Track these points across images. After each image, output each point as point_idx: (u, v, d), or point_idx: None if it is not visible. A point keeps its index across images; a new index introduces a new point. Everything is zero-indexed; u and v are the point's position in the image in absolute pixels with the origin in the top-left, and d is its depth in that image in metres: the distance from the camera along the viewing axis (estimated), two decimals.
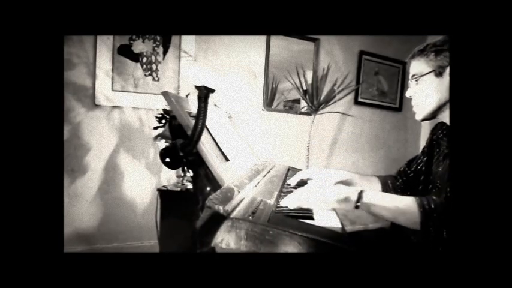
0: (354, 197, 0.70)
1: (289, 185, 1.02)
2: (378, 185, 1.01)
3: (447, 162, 0.84)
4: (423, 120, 0.88)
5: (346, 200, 0.71)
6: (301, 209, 0.74)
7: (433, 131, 0.95)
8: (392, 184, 1.02)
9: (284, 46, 2.39)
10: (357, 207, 0.70)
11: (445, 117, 0.86)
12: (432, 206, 0.66)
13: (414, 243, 0.88)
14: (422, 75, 0.82)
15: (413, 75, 0.85)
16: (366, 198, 0.70)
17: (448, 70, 0.79)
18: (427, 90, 0.83)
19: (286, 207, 0.73)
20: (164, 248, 1.46)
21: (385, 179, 1.04)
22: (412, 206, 0.67)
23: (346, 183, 0.94)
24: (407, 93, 0.89)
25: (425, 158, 0.96)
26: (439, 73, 0.80)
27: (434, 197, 0.69)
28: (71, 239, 1.78)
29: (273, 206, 0.68)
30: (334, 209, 0.78)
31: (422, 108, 0.85)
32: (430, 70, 0.81)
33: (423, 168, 0.96)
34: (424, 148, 0.99)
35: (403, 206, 0.69)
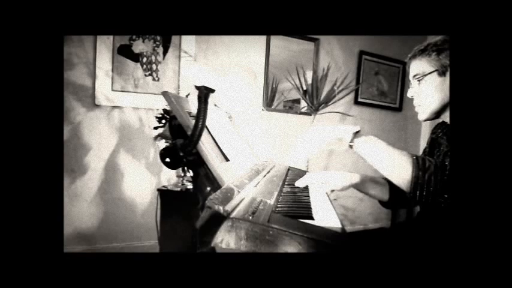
0: (348, 136, 0.72)
1: (293, 185, 1.02)
2: (386, 186, 1.02)
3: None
4: (426, 120, 0.87)
5: (340, 138, 0.73)
6: (301, 209, 0.74)
7: (434, 131, 0.95)
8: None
9: (284, 46, 2.39)
10: (350, 146, 0.72)
11: (447, 117, 0.85)
12: (426, 165, 0.65)
13: (414, 244, 0.88)
14: (425, 75, 0.81)
15: (415, 75, 0.85)
16: (360, 140, 0.72)
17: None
18: (430, 89, 0.82)
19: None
20: (164, 248, 1.46)
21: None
22: (406, 160, 0.67)
23: (357, 185, 0.95)
24: (409, 94, 0.88)
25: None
26: (442, 72, 0.80)
27: (429, 158, 0.68)
28: (71, 239, 1.78)
29: (273, 206, 0.68)
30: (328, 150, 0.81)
31: (425, 108, 0.84)
32: (433, 69, 0.80)
33: None
34: (425, 148, 0.99)
35: (396, 158, 0.69)
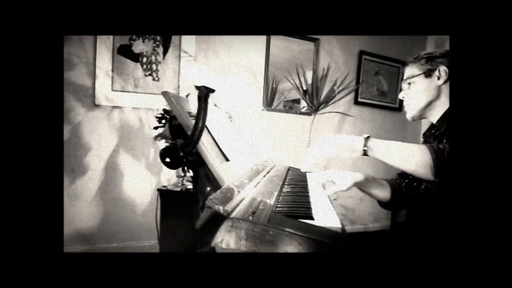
0: (360, 142, 0.74)
1: (293, 185, 1.02)
2: (387, 187, 1.03)
3: None
4: (413, 118, 0.97)
5: (352, 145, 0.74)
6: (301, 209, 0.74)
7: (424, 133, 1.01)
8: (399, 186, 1.04)
9: (284, 46, 2.39)
10: (364, 152, 0.73)
11: (432, 115, 0.94)
12: (441, 147, 0.67)
13: (415, 244, 0.88)
14: (414, 76, 0.94)
15: (406, 78, 0.96)
16: (372, 143, 0.73)
17: (436, 72, 0.90)
18: (418, 90, 0.93)
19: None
20: (164, 248, 1.46)
21: (392, 181, 1.06)
22: (423, 149, 0.69)
23: (361, 184, 0.97)
24: (400, 95, 0.99)
25: None
26: (428, 75, 0.91)
27: (446, 144, 0.70)
28: (71, 239, 1.78)
29: (273, 206, 0.68)
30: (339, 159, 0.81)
31: (413, 107, 0.95)
32: (420, 72, 0.92)
33: None
34: None
35: (413, 150, 0.70)
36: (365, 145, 0.73)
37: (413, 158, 0.69)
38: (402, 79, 0.99)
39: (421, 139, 1.03)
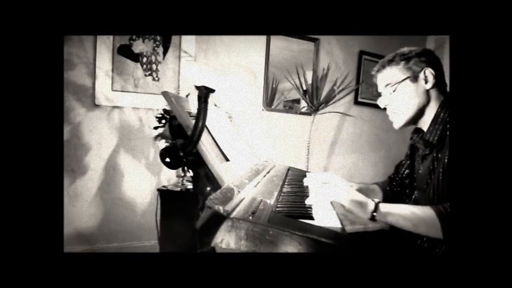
0: (371, 207, 0.71)
1: (293, 185, 1.02)
2: (379, 194, 1.02)
3: (425, 164, 0.86)
4: (402, 127, 0.88)
5: (362, 206, 0.71)
6: (301, 209, 0.74)
7: (411, 136, 0.96)
8: (390, 190, 1.04)
9: (284, 46, 2.39)
10: (372, 217, 0.70)
11: (423, 122, 0.86)
12: (449, 210, 0.66)
13: (418, 247, 0.88)
14: (398, 82, 0.83)
15: (387, 84, 0.86)
16: (383, 209, 0.70)
17: (421, 75, 0.81)
18: (404, 96, 0.84)
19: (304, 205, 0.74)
20: (164, 248, 1.46)
21: (384, 186, 1.05)
22: (429, 213, 0.67)
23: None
24: (381, 103, 0.89)
25: (408, 161, 0.98)
26: (414, 78, 0.82)
27: (448, 203, 0.69)
28: (71, 239, 1.78)
29: (273, 206, 0.68)
30: (346, 211, 0.77)
31: (402, 115, 0.85)
32: (405, 77, 0.83)
33: (407, 171, 0.98)
34: (406, 153, 1.01)
35: (422, 215, 0.68)
36: (374, 211, 0.70)
37: (423, 224, 0.68)
38: (376, 85, 0.90)
39: (409, 142, 0.97)
